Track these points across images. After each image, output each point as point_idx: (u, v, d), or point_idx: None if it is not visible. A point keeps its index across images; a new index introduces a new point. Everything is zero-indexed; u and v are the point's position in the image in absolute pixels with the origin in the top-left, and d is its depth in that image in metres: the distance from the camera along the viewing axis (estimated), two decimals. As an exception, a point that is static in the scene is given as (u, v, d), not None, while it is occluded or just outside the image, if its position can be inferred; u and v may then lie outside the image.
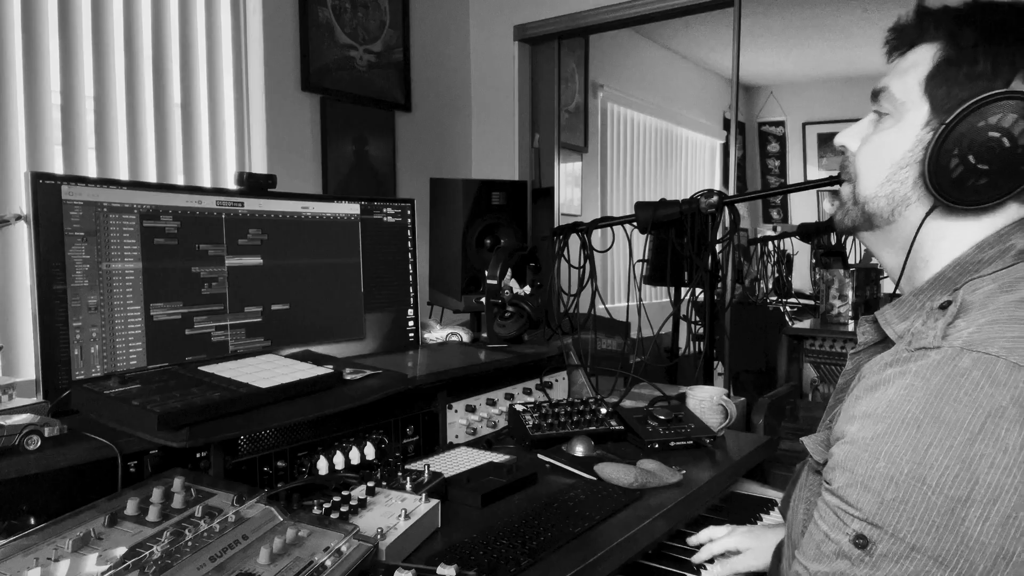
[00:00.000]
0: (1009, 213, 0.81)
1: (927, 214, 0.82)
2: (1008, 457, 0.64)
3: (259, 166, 2.60)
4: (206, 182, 2.47)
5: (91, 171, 2.17)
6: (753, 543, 1.27)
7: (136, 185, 1.51)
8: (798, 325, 3.77)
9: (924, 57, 0.82)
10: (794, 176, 6.56)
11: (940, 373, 0.69)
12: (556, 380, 2.05)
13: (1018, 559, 0.64)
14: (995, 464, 0.65)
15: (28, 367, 1.78)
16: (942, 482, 0.66)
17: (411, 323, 2.01)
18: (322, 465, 1.42)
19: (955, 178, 0.78)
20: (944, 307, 0.77)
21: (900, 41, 0.86)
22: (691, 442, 1.71)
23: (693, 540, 1.35)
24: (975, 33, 0.78)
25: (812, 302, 4.49)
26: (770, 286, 4.65)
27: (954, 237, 0.82)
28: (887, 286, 3.61)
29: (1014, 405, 0.65)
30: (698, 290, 2.31)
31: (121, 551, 0.90)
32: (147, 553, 0.90)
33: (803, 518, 0.90)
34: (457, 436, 1.72)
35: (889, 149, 0.84)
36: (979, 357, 0.68)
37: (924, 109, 0.82)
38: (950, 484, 0.66)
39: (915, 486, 0.67)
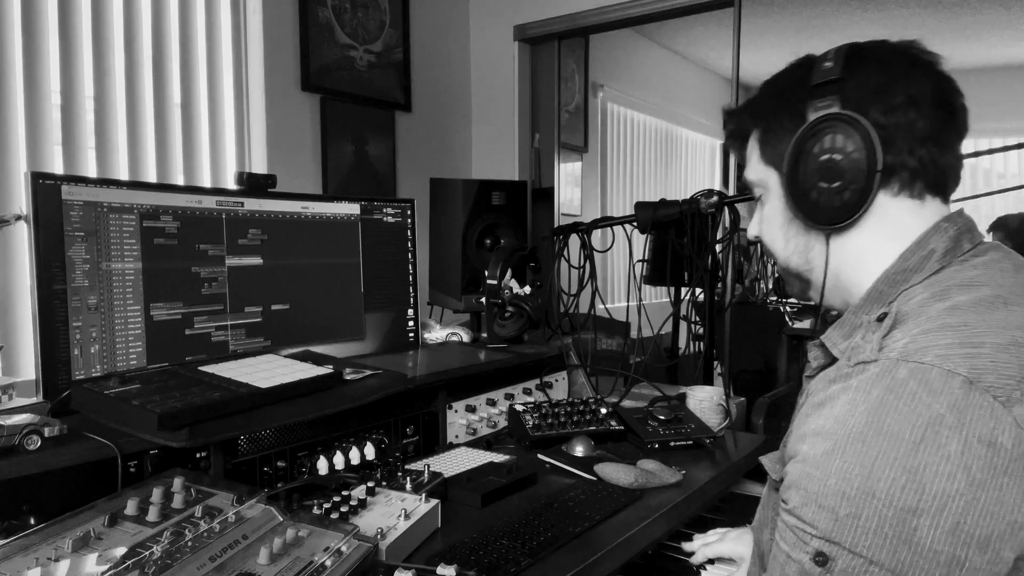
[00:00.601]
0: (891, 211, 0.85)
1: (827, 244, 0.89)
2: (951, 464, 0.66)
3: (259, 166, 2.60)
4: (206, 182, 2.47)
5: (91, 171, 2.17)
6: (745, 551, 1.28)
7: (136, 185, 1.51)
8: (798, 325, 3.77)
9: (753, 141, 0.95)
10: (794, 176, 6.53)
11: (879, 386, 0.71)
12: (556, 380, 2.05)
13: (970, 565, 0.66)
14: (939, 472, 0.66)
15: (28, 367, 1.78)
16: (891, 494, 0.67)
17: (411, 323, 2.01)
18: (322, 465, 1.42)
19: (822, 205, 0.85)
20: (881, 319, 0.80)
21: (736, 142, 0.99)
22: (691, 442, 1.71)
23: (687, 548, 1.37)
24: (770, 103, 0.92)
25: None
26: (770, 286, 4.64)
27: (866, 254, 0.87)
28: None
29: (951, 412, 0.67)
30: (698, 290, 2.31)
31: (121, 551, 0.90)
32: (147, 553, 0.90)
33: (769, 538, 0.91)
34: (457, 436, 1.72)
35: (773, 219, 0.95)
36: (915, 367, 0.70)
37: (774, 175, 0.92)
38: (898, 495, 0.67)
39: (866, 500, 0.69)
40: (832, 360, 0.87)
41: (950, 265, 0.82)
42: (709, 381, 2.40)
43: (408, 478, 1.31)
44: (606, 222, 2.40)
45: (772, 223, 0.95)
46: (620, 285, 4.63)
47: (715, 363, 2.51)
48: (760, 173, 0.95)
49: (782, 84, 0.91)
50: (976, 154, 2.14)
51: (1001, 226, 3.87)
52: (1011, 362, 0.69)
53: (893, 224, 0.85)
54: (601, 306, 2.32)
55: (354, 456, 1.47)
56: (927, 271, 0.82)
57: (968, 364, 0.69)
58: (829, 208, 0.85)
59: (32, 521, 1.00)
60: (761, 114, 0.93)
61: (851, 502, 0.69)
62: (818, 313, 0.96)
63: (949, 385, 0.68)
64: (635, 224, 2.28)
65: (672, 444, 1.69)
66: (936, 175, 0.84)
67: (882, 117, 0.82)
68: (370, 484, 1.26)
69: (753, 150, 0.95)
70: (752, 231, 1.01)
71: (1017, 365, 0.69)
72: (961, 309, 0.75)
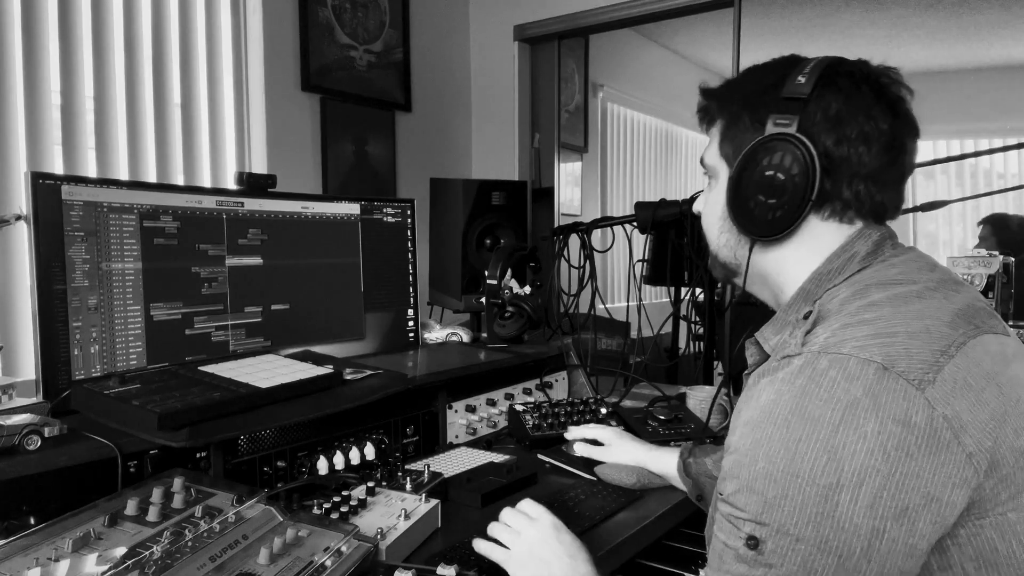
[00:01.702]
0: (819, 232, 0.90)
1: (750, 251, 0.94)
2: (868, 442, 0.70)
3: (259, 166, 2.60)
4: (206, 182, 2.47)
5: (91, 171, 2.16)
6: (613, 440, 1.50)
7: (136, 185, 1.51)
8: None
9: (716, 128, 0.98)
10: (794, 176, 6.53)
11: (803, 376, 0.75)
12: (556, 380, 2.05)
13: (889, 535, 0.70)
14: (857, 450, 0.70)
15: (28, 367, 1.78)
16: (813, 473, 0.71)
17: (411, 323, 2.01)
18: (322, 465, 1.42)
19: (756, 216, 0.90)
20: (806, 317, 0.85)
21: (704, 119, 1.01)
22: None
23: (572, 433, 1.57)
24: (739, 98, 0.94)
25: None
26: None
27: (790, 264, 0.92)
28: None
29: (867, 396, 0.71)
30: (698, 290, 2.31)
31: (121, 551, 0.91)
32: (147, 553, 0.90)
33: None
34: (457, 436, 1.72)
35: (714, 207, 0.99)
36: (834, 358, 0.75)
37: (725, 168, 0.96)
38: (820, 473, 0.71)
39: (791, 480, 0.72)
40: (765, 357, 0.93)
41: (871, 266, 0.87)
42: (709, 381, 2.39)
43: (408, 478, 1.31)
44: (606, 222, 2.40)
45: (712, 210, 1.00)
46: (620, 285, 4.63)
47: (715, 363, 2.51)
48: (714, 160, 0.98)
49: (755, 84, 0.93)
50: (976, 154, 2.14)
51: (990, 222, 3.89)
52: (923, 348, 0.74)
53: (818, 241, 0.90)
54: (601, 306, 2.31)
55: (354, 456, 1.47)
56: (849, 271, 0.87)
57: (882, 352, 0.73)
58: (761, 221, 0.90)
59: (32, 521, 1.00)
60: (728, 108, 0.95)
61: (777, 484, 0.73)
62: (728, 304, 1.01)
63: (865, 371, 0.72)
64: (635, 224, 2.27)
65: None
66: (870, 208, 0.89)
67: (832, 147, 0.86)
68: (370, 484, 1.26)
69: (714, 137, 0.98)
70: (697, 207, 1.06)
71: (929, 350, 0.74)
72: (878, 304, 0.80)
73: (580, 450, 1.53)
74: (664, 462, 1.43)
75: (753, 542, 0.75)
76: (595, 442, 1.54)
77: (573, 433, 1.57)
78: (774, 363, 0.82)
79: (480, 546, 1.08)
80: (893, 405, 0.71)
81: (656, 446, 1.49)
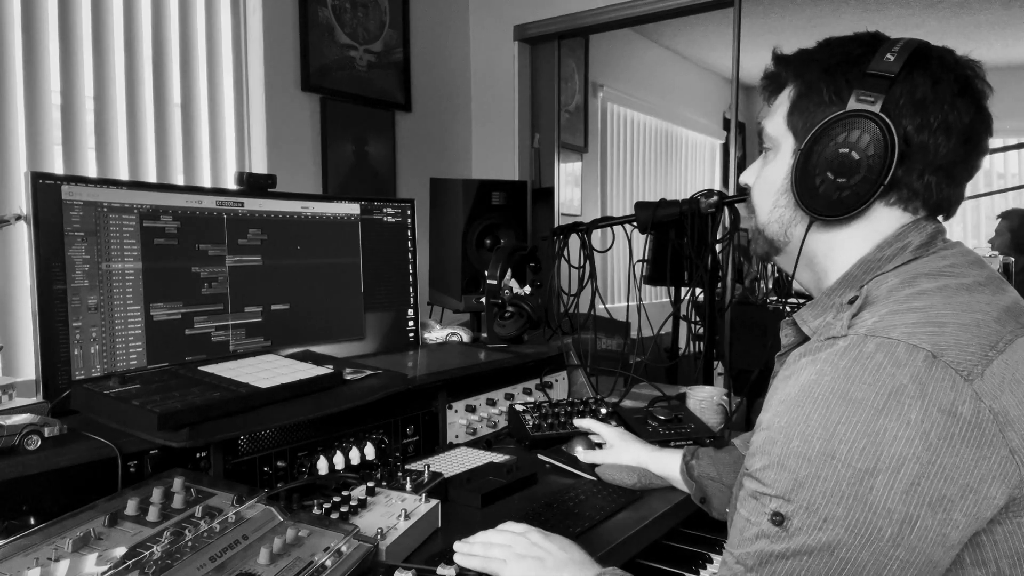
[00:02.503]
0: (880, 217, 0.88)
1: (807, 230, 0.91)
2: (910, 429, 0.69)
3: (259, 166, 2.60)
4: (206, 182, 2.47)
5: (91, 171, 2.16)
6: (616, 441, 1.51)
7: (136, 185, 1.51)
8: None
9: (785, 96, 0.93)
10: (794, 176, 6.53)
11: (847, 357, 0.74)
12: (556, 380, 2.05)
13: (921, 524, 0.69)
14: (898, 436, 0.69)
15: (28, 367, 1.78)
16: (850, 456, 0.71)
17: (411, 323, 2.01)
18: (322, 465, 1.42)
19: (820, 194, 0.87)
20: (852, 301, 0.84)
21: (770, 86, 0.97)
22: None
23: (579, 423, 1.60)
24: (817, 68, 0.89)
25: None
26: (770, 286, 4.64)
27: (842, 247, 0.90)
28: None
29: (913, 382, 0.70)
30: (698, 290, 2.31)
31: (121, 551, 0.90)
32: (147, 553, 0.90)
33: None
34: (457, 436, 1.72)
35: (771, 180, 0.95)
36: (882, 342, 0.73)
37: (791, 140, 0.92)
38: (858, 457, 0.70)
39: (826, 461, 0.72)
40: (803, 339, 0.91)
41: (922, 257, 0.85)
42: (709, 381, 2.39)
43: (408, 478, 1.31)
44: (606, 222, 2.40)
45: (767, 183, 0.96)
46: (620, 285, 4.63)
47: (715, 363, 2.50)
48: (779, 130, 0.94)
49: (838, 56, 0.88)
50: (976, 154, 2.13)
51: (1009, 215, 3.88)
52: (972, 341, 0.73)
53: (876, 227, 0.88)
54: (601, 306, 2.31)
55: (354, 456, 1.47)
56: (900, 260, 0.85)
57: (932, 340, 0.72)
58: (827, 200, 0.86)
59: (32, 521, 1.00)
60: (805, 76, 0.90)
61: (811, 463, 0.72)
62: (789, 284, 0.98)
63: (913, 358, 0.71)
64: (635, 224, 2.27)
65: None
66: (936, 202, 0.87)
67: (914, 132, 0.83)
68: (370, 484, 1.26)
69: (782, 104, 0.93)
70: (746, 178, 1.01)
71: (978, 344, 0.73)
72: (927, 294, 0.79)
73: (583, 457, 1.54)
74: (665, 463, 1.43)
75: (779, 518, 0.74)
76: (598, 445, 1.55)
77: (580, 423, 1.61)
78: (816, 343, 0.80)
79: (471, 562, 1.06)
80: (940, 394, 0.70)
81: (658, 447, 1.49)
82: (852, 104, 0.84)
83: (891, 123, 0.81)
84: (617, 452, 1.49)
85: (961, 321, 0.75)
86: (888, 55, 0.84)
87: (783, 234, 0.95)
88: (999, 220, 3.90)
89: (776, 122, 0.94)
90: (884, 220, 0.88)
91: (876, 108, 0.82)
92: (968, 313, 0.76)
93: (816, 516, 0.72)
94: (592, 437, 1.60)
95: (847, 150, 0.84)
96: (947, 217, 0.91)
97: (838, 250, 0.91)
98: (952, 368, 0.71)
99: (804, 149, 0.87)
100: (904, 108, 0.83)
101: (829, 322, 0.84)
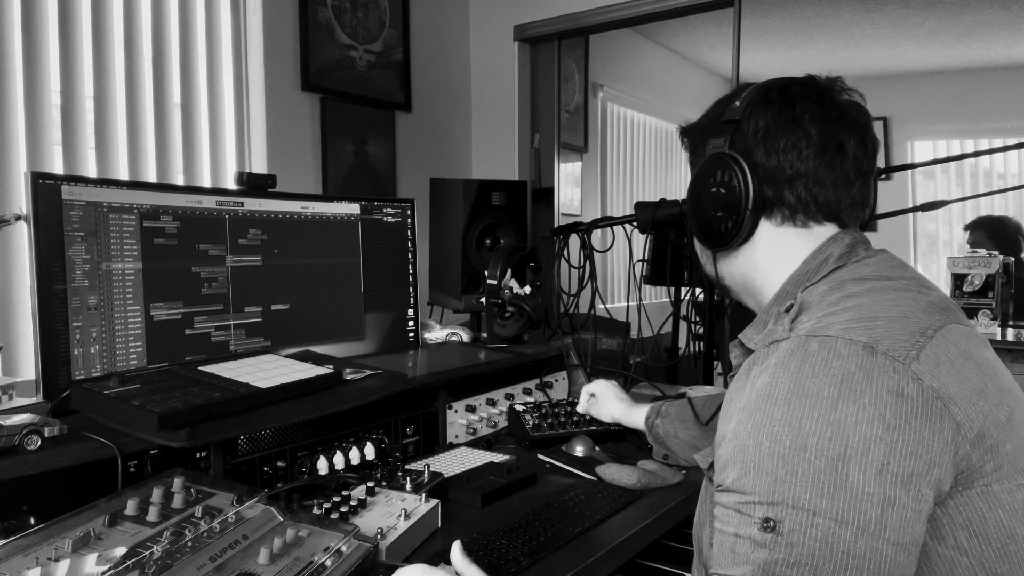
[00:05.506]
0: (778, 235, 0.97)
1: (714, 263, 1.04)
2: (867, 412, 0.73)
3: (259, 166, 2.60)
4: (206, 182, 2.47)
5: (91, 171, 2.16)
6: (601, 395, 1.70)
7: (136, 185, 1.51)
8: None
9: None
10: (794, 176, 6.52)
11: (796, 358, 0.79)
12: (556, 380, 2.05)
13: (900, 502, 0.72)
14: (859, 420, 0.73)
15: (28, 367, 1.78)
16: (820, 446, 0.73)
17: (411, 323, 2.01)
18: (322, 465, 1.42)
19: (712, 229, 0.99)
20: (788, 309, 0.91)
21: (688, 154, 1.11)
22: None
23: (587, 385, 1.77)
24: (694, 132, 1.07)
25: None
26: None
27: (763, 267, 0.99)
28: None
29: (860, 370, 0.75)
30: (698, 290, 2.31)
31: (121, 551, 0.90)
32: (147, 553, 0.90)
33: (710, 531, 0.92)
34: (457, 436, 1.72)
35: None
36: (823, 340, 0.79)
37: None
38: (827, 446, 0.73)
39: (799, 455, 0.74)
40: (749, 355, 0.94)
41: (846, 265, 0.93)
42: (709, 381, 2.39)
43: (408, 478, 1.31)
44: (606, 222, 2.40)
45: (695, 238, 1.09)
46: (620, 285, 4.63)
47: (715, 363, 2.50)
48: None
49: (708, 116, 1.04)
50: (976, 154, 2.14)
51: (982, 225, 3.70)
52: (903, 330, 0.79)
53: (782, 247, 0.97)
54: (601, 306, 2.31)
55: (354, 456, 1.47)
56: (825, 271, 0.93)
57: (867, 334, 0.77)
58: (716, 233, 0.99)
59: (32, 521, 1.00)
60: (690, 141, 1.07)
61: (785, 461, 0.74)
62: (728, 304, 1.05)
63: (853, 349, 0.76)
64: (635, 224, 2.27)
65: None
66: (817, 207, 0.94)
67: (763, 158, 0.94)
68: (370, 484, 1.26)
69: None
70: None
71: (908, 332, 0.78)
72: (856, 295, 0.86)
73: (581, 408, 1.73)
74: (635, 420, 1.61)
75: (770, 524, 0.74)
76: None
77: (588, 386, 1.76)
78: (763, 351, 0.85)
79: None
80: (885, 378, 0.74)
81: (633, 403, 1.67)
82: (708, 151, 0.99)
83: (738, 155, 0.94)
84: (599, 407, 1.71)
85: (891, 315, 0.81)
86: (736, 102, 0.97)
87: (713, 273, 1.06)
88: (967, 232, 3.71)
89: None
90: (783, 238, 0.96)
91: (725, 148, 0.96)
92: (896, 307, 0.82)
93: (805, 513, 0.73)
94: (586, 388, 1.75)
95: (715, 188, 0.96)
96: (857, 217, 0.98)
97: (760, 274, 0.99)
98: (889, 356, 0.75)
99: (691, 199, 1.02)
100: (751, 141, 0.94)
101: (771, 329, 0.90)
